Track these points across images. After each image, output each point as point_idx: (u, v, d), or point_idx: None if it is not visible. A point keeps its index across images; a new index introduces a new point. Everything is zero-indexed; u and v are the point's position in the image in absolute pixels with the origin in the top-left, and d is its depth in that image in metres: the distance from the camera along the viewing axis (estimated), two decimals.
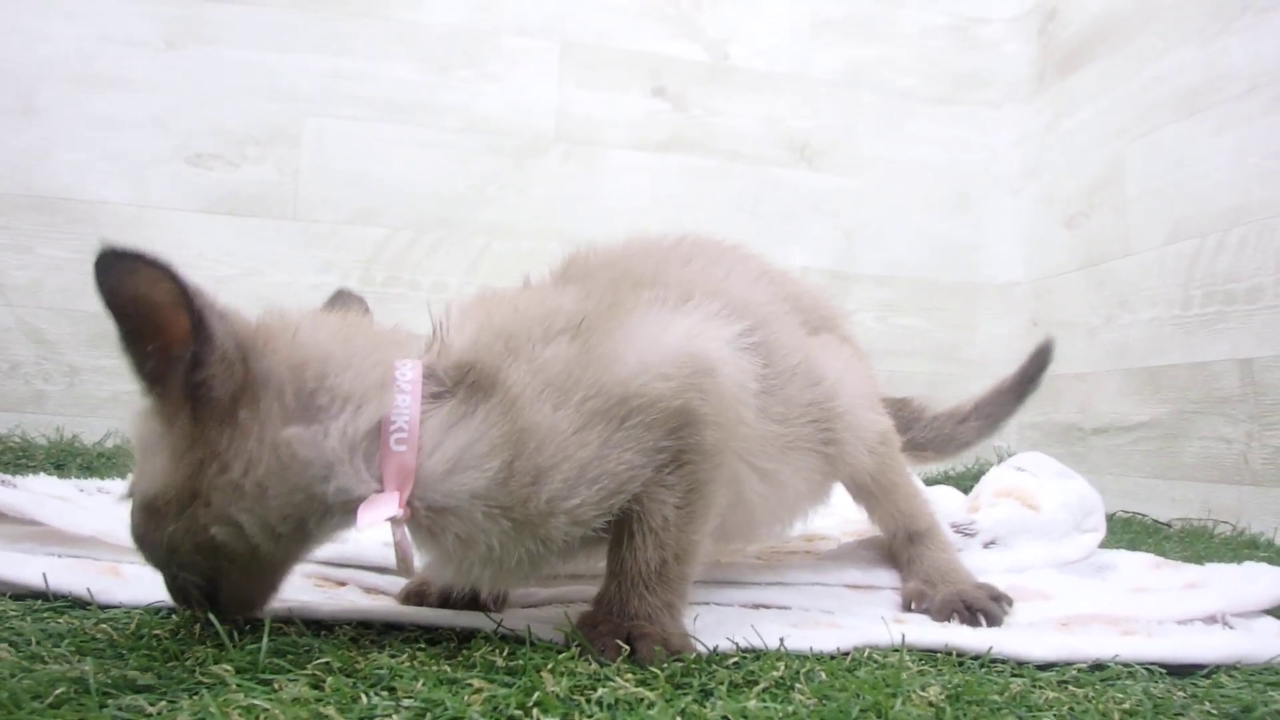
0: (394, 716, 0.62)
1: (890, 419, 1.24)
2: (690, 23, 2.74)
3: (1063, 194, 2.69)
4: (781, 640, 0.86)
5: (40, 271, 2.30)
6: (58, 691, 0.59)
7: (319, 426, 0.77)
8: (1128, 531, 1.92)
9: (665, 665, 0.78)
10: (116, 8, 2.38)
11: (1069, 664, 0.86)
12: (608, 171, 2.65)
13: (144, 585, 0.91)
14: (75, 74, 2.35)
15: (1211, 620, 1.01)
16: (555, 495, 0.81)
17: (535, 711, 0.66)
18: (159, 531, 0.77)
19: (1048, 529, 1.35)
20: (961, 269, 2.89)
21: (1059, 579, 1.24)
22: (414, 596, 0.99)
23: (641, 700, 0.70)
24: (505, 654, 0.78)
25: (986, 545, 1.34)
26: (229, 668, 0.69)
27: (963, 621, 1.02)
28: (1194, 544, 1.72)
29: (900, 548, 1.23)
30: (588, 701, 0.69)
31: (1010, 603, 1.06)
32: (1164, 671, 0.84)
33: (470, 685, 0.70)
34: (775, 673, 0.78)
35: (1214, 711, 0.73)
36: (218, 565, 0.78)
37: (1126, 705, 0.72)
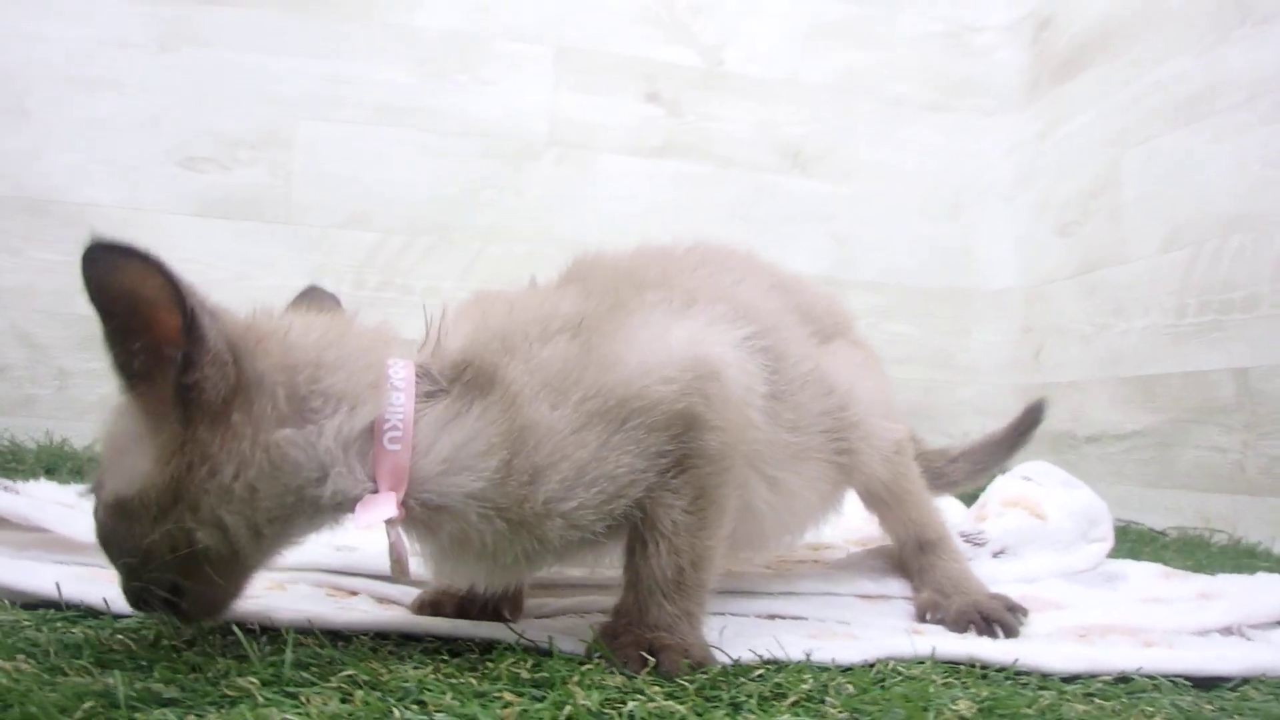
0: None
1: (904, 429, 1.23)
2: (685, 28, 2.74)
3: (1057, 201, 2.70)
4: (808, 654, 0.85)
5: (31, 274, 2.26)
6: (86, 705, 0.58)
7: (313, 427, 0.76)
8: (1124, 540, 1.93)
9: (693, 678, 0.77)
10: (110, 9, 2.35)
11: (1093, 676, 0.85)
12: (602, 177, 2.64)
13: None
14: (68, 76, 2.32)
15: (1227, 632, 1.00)
16: (552, 496, 0.80)
17: None
18: (133, 534, 0.75)
19: (1055, 538, 1.36)
20: (955, 275, 2.90)
21: (1070, 589, 1.24)
22: (429, 606, 0.97)
23: (673, 714, 0.69)
24: (530, 666, 0.77)
25: (996, 554, 1.34)
26: (254, 680, 0.67)
27: (980, 633, 1.02)
28: (1193, 553, 1.74)
29: (911, 557, 1.22)
30: (619, 715, 0.68)
31: (1025, 613, 1.06)
32: (1189, 684, 0.84)
33: (500, 698, 0.69)
34: (804, 685, 0.77)
35: None
36: (191, 569, 0.76)
37: (1158, 719, 0.72)
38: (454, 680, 0.73)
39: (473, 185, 2.55)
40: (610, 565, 0.93)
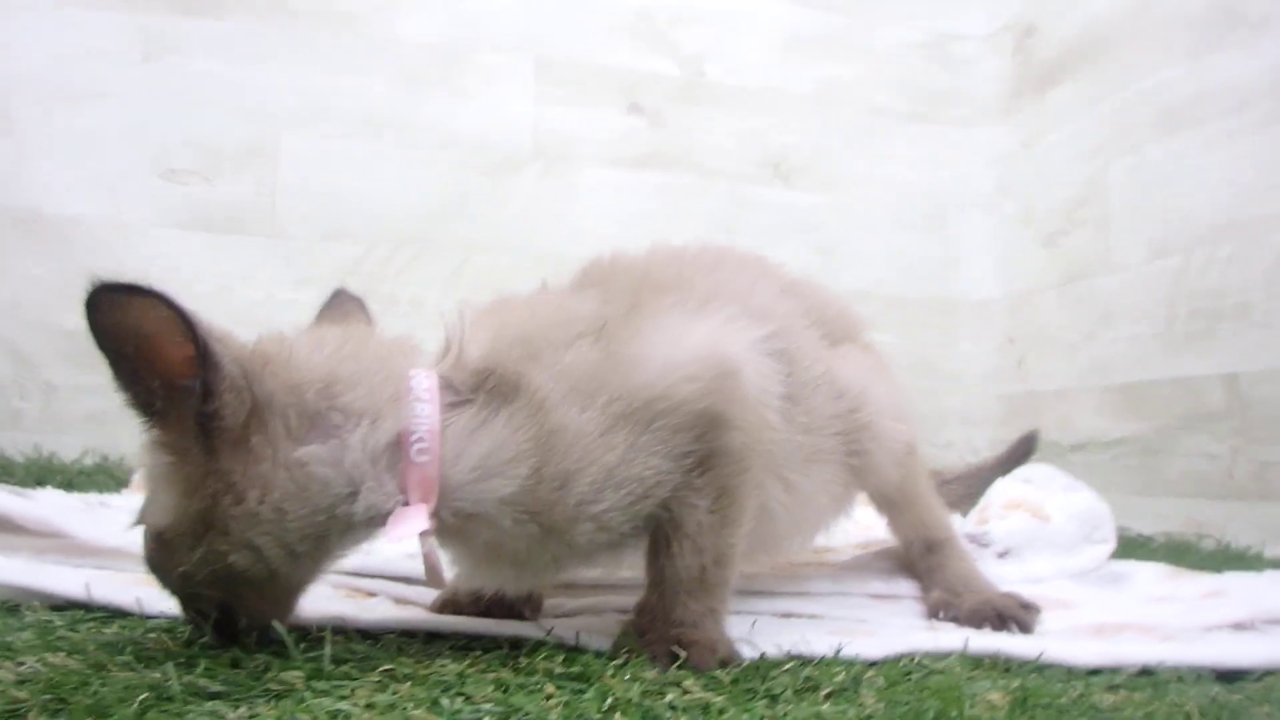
0: None
1: (914, 431, 1.24)
2: (666, 39, 2.75)
3: (1040, 211, 2.71)
4: (837, 649, 0.86)
5: (16, 287, 2.22)
6: (140, 698, 0.57)
7: (336, 442, 0.76)
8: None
9: (727, 672, 0.78)
10: (91, 21, 2.32)
11: (1117, 669, 0.86)
12: (584, 188, 2.64)
13: None
14: (49, 88, 2.29)
15: (1240, 628, 1.02)
16: (583, 499, 0.80)
17: (617, 715, 0.65)
18: (173, 562, 0.76)
19: (1058, 540, 1.38)
20: (937, 286, 2.91)
21: (1077, 589, 1.26)
22: (450, 606, 0.97)
23: (711, 705, 0.70)
24: (562, 661, 0.77)
25: (1000, 556, 1.36)
26: (299, 674, 0.67)
27: (995, 629, 1.03)
28: (1182, 559, 1.75)
29: (918, 557, 1.24)
30: (660, 706, 0.68)
31: (1038, 611, 1.07)
32: (1212, 676, 0.86)
33: (541, 690, 0.69)
34: (836, 678, 0.78)
35: (1277, 712, 0.75)
36: (235, 590, 0.77)
37: (1189, 708, 0.74)
38: (491, 674, 0.73)
39: (456, 196, 2.54)
40: (629, 566, 0.93)
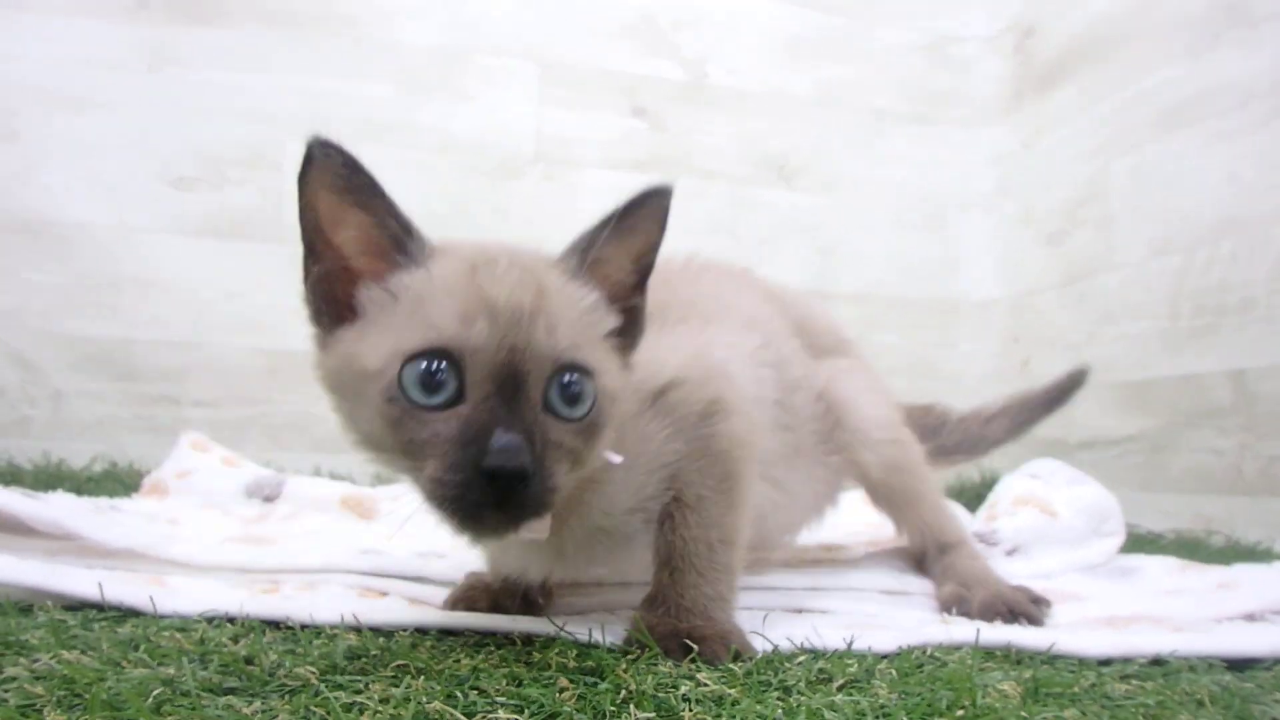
0: (499, 712, 0.61)
1: (898, 417, 1.25)
2: (667, 43, 2.75)
3: (1041, 211, 2.71)
4: (849, 641, 0.86)
5: (23, 295, 2.23)
6: (155, 693, 0.57)
7: None
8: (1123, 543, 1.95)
9: (740, 664, 0.78)
10: (96, 31, 2.34)
11: (1128, 659, 0.86)
12: (586, 191, 2.64)
13: (191, 596, 0.90)
14: (55, 97, 2.30)
15: (1250, 618, 1.02)
16: (639, 487, 0.87)
17: (631, 707, 0.65)
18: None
19: (1066, 535, 1.38)
20: (938, 286, 2.91)
21: (1088, 582, 1.26)
22: (463, 603, 0.97)
23: (724, 697, 0.70)
24: (575, 655, 0.77)
25: (1009, 553, 1.35)
26: (313, 669, 0.67)
27: (1007, 623, 1.03)
28: (1192, 555, 1.75)
29: (932, 559, 1.24)
30: (674, 698, 0.68)
31: (1049, 604, 1.07)
32: (1223, 665, 0.86)
33: (556, 683, 0.69)
34: (849, 670, 0.78)
35: None
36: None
37: (1201, 696, 0.74)
38: (505, 669, 0.73)
39: (458, 200, 2.55)
40: (644, 570, 0.94)
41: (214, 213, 2.38)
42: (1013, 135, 2.85)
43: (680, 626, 0.83)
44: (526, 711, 0.63)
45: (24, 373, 2.22)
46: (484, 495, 0.69)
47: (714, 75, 2.79)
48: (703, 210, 2.73)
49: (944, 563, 1.21)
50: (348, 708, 0.60)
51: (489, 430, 0.69)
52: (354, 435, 0.77)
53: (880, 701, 0.70)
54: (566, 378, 0.75)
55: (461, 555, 1.18)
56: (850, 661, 0.81)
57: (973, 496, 2.00)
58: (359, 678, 0.67)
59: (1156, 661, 0.86)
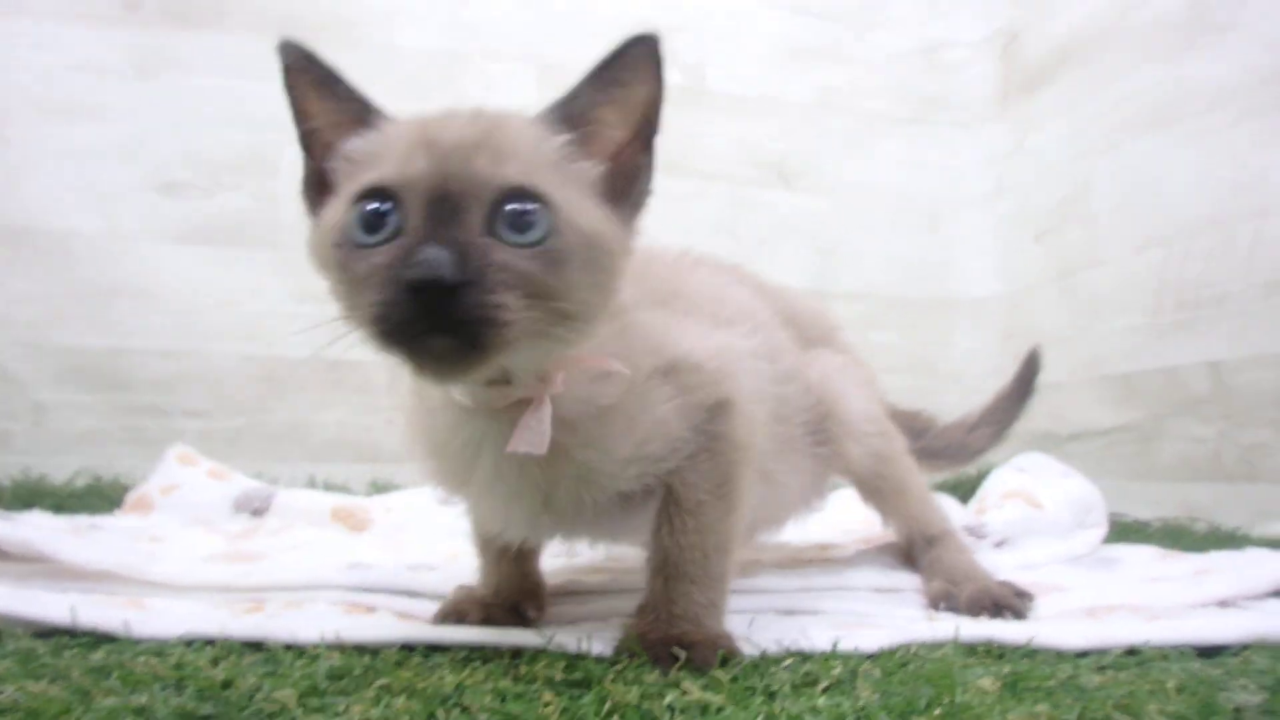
0: None
1: (883, 410, 1.27)
2: (666, 48, 2.76)
3: (1031, 209, 2.75)
4: (835, 642, 0.86)
5: (6, 305, 2.20)
6: None
7: None
8: (1111, 531, 1.95)
9: (727, 670, 0.78)
10: (86, 36, 2.32)
11: (1104, 650, 0.87)
12: None
13: (169, 618, 0.89)
14: (45, 102, 2.29)
15: (1224, 604, 1.04)
16: (643, 439, 0.86)
17: (615, 719, 0.65)
18: None
19: (1053, 526, 1.39)
20: (935, 285, 2.94)
21: (1071, 573, 1.27)
22: (453, 616, 0.97)
23: (710, 705, 0.70)
24: (563, 668, 0.77)
25: (998, 545, 1.36)
26: (291, 692, 0.67)
27: (991, 617, 1.04)
28: (1178, 542, 1.76)
29: (919, 552, 1.25)
30: (660, 709, 0.68)
31: (1032, 598, 1.08)
32: (1193, 652, 0.87)
33: (540, 698, 0.69)
34: (834, 672, 0.78)
35: (1252, 685, 0.76)
36: None
37: (1172, 684, 0.74)
38: (490, 685, 0.73)
39: None
40: (635, 537, 0.94)
41: (206, 219, 2.37)
42: (1003, 136, 2.90)
43: (671, 633, 0.83)
44: None
45: (4, 385, 2.19)
46: (411, 311, 0.68)
47: (712, 80, 2.81)
48: (704, 211, 2.74)
49: (931, 556, 1.22)
50: None
51: (416, 249, 0.68)
52: (340, 308, 0.76)
53: (861, 703, 0.70)
54: (514, 204, 0.72)
55: (453, 567, 1.18)
56: (836, 663, 0.81)
57: (968, 489, 2.02)
58: (339, 699, 0.67)
59: (1131, 651, 0.87)
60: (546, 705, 0.67)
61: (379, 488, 2.04)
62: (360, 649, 0.83)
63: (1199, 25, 2.14)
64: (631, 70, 0.81)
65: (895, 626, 0.93)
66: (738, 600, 1.04)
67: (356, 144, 0.80)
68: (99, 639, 0.84)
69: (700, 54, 2.81)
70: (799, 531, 1.37)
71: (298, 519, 1.41)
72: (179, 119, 2.36)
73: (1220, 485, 2.05)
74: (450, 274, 0.67)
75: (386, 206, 0.72)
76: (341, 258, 0.73)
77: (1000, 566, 1.26)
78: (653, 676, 0.75)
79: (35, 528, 1.14)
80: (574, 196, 0.77)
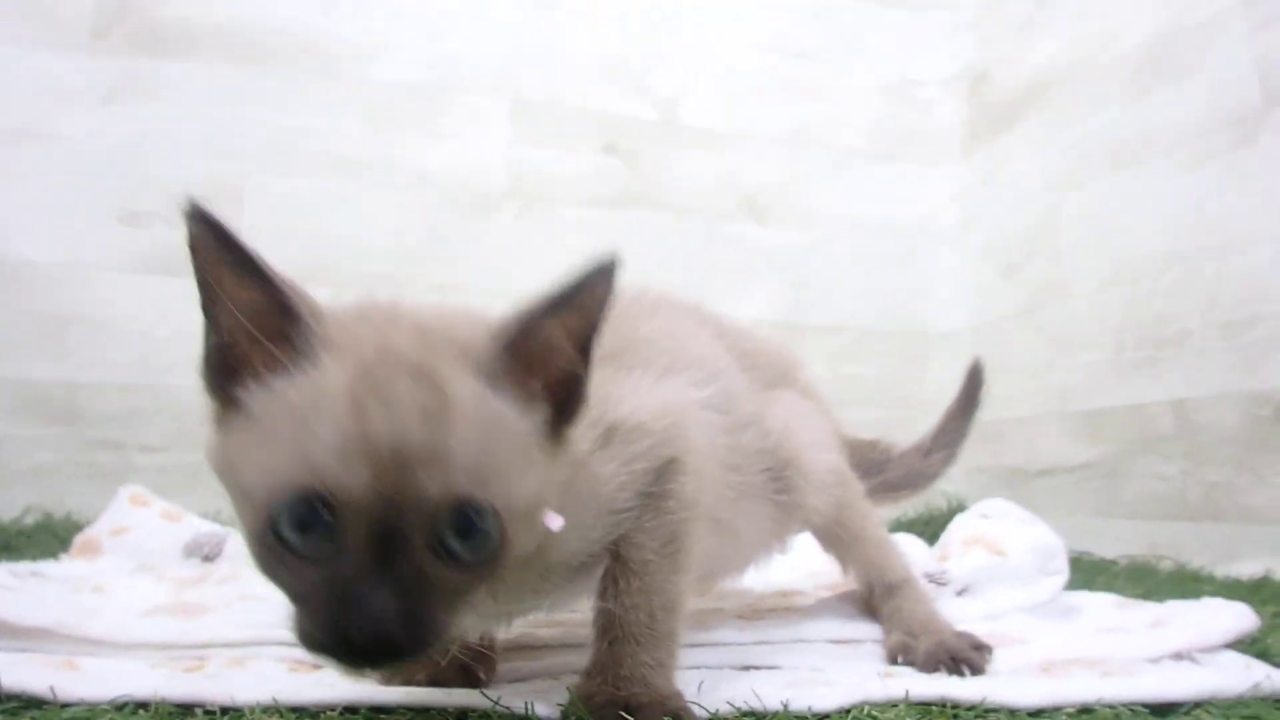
0: None
1: (844, 460, 1.26)
2: (640, 81, 2.80)
3: (1000, 245, 2.80)
4: (785, 703, 0.85)
5: None
6: None
7: None
8: (1078, 570, 1.95)
9: None
10: (48, 61, 2.30)
11: (1058, 709, 0.87)
12: (560, 228, 2.65)
13: (105, 680, 0.86)
14: (4, 128, 2.25)
15: (1179, 657, 1.04)
16: (585, 525, 0.83)
17: None
18: None
19: (1015, 574, 1.38)
20: (906, 318, 2.97)
21: (1032, 623, 1.26)
22: (399, 677, 0.94)
23: None
24: None
25: (959, 593, 1.36)
26: None
27: (949, 672, 1.03)
28: (1143, 580, 1.78)
29: (879, 601, 1.24)
30: None
31: (991, 651, 1.07)
32: (1146, 711, 0.87)
33: None
34: None
35: None
36: None
37: None
38: None
39: (430, 238, 2.54)
40: (584, 624, 0.92)
41: (168, 250, 2.33)
42: (972, 173, 2.96)
43: (618, 695, 0.82)
44: None
45: None
46: (352, 657, 0.64)
47: (686, 114, 2.84)
48: (677, 246, 2.76)
49: (891, 605, 1.21)
50: None
51: (355, 592, 0.63)
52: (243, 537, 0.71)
53: None
54: (464, 518, 0.66)
55: None
56: None
57: (940, 526, 2.01)
58: None
59: (1085, 709, 0.87)
60: None
61: None
62: (299, 712, 0.81)
63: (1162, 67, 2.20)
64: (589, 295, 0.73)
65: (849, 684, 0.92)
66: (692, 655, 1.03)
67: (286, 385, 0.67)
68: (25, 703, 0.81)
69: (674, 88, 2.84)
70: (762, 576, 1.36)
71: (248, 566, 1.38)
72: (143, 147, 2.34)
73: (1184, 524, 2.06)
74: (397, 632, 0.63)
75: (317, 512, 0.63)
76: (264, 552, 0.66)
77: (962, 615, 1.26)
78: None
79: None
80: (520, 474, 0.70)
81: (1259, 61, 1.95)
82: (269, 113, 2.45)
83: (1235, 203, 1.98)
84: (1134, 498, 2.21)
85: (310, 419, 0.65)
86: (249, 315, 0.70)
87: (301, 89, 2.49)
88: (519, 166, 2.65)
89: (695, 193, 2.81)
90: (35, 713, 0.78)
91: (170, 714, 0.78)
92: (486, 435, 0.68)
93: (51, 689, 0.80)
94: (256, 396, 0.68)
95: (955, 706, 0.88)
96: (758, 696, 0.87)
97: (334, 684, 0.91)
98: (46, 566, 1.38)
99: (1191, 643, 1.06)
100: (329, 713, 0.82)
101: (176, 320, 2.31)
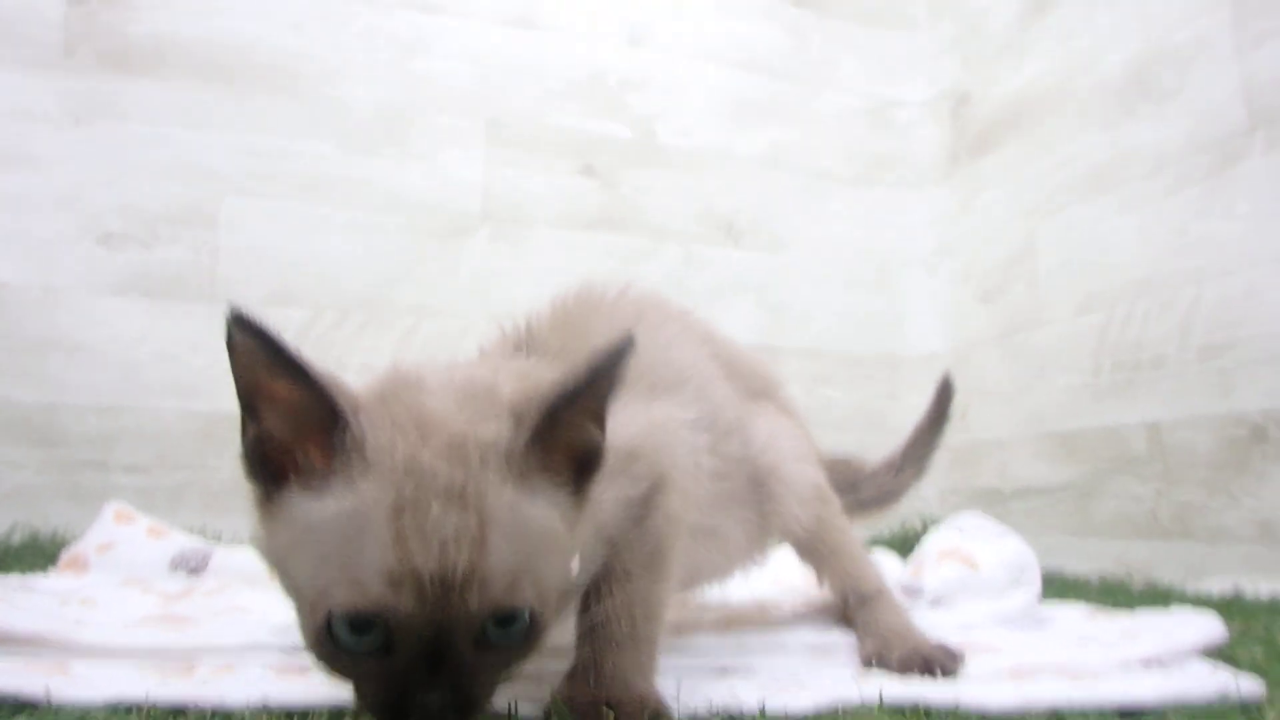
0: None
1: (824, 474, 1.29)
2: (617, 102, 2.82)
3: (978, 269, 2.84)
4: (762, 703, 0.87)
5: None
6: None
7: None
8: (1050, 588, 1.99)
9: None
10: (18, 83, 2.31)
11: (1028, 712, 0.90)
12: (536, 250, 2.67)
13: (96, 684, 0.87)
14: None
15: (1149, 664, 1.06)
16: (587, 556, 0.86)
17: None
18: None
19: (988, 586, 1.42)
20: (883, 342, 3.01)
21: (1003, 633, 1.29)
22: None
23: None
24: None
25: (933, 605, 1.39)
26: None
27: (922, 675, 1.06)
28: (1114, 597, 1.81)
29: (854, 611, 1.26)
30: None
31: (963, 657, 1.10)
32: (1115, 714, 0.90)
33: None
34: None
35: None
36: None
37: None
38: None
39: (405, 260, 2.55)
40: (565, 630, 0.94)
41: (144, 271, 2.34)
42: (950, 197, 2.99)
43: (599, 695, 0.84)
44: None
45: None
46: None
47: (662, 135, 2.87)
48: (653, 268, 2.78)
49: (865, 615, 1.24)
50: None
51: (412, 692, 0.69)
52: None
53: None
54: (501, 620, 0.71)
55: None
56: None
57: (914, 544, 2.04)
58: None
59: (1055, 713, 0.89)
60: None
61: None
62: (289, 713, 0.83)
63: (1140, 92, 2.24)
64: (606, 378, 0.77)
65: (824, 687, 0.95)
66: (671, 660, 1.05)
67: (329, 497, 0.70)
68: (19, 705, 0.82)
69: (649, 109, 2.87)
70: (740, 589, 1.38)
71: (234, 579, 1.39)
72: (116, 168, 2.35)
73: (1156, 542, 2.11)
74: (452, 718, 0.69)
75: (371, 626, 0.69)
76: (319, 647, 0.72)
77: (936, 626, 1.28)
78: None
79: None
80: (554, 570, 0.75)
81: (1246, 82, 1.96)
82: (241, 134, 2.46)
83: (1216, 226, 2.01)
84: (1107, 518, 2.25)
85: (356, 543, 0.69)
86: (293, 415, 0.73)
87: (273, 109, 2.50)
88: (494, 187, 2.67)
89: (672, 214, 2.84)
90: (29, 715, 0.80)
91: (162, 716, 0.80)
92: (522, 544, 0.72)
93: (46, 691, 0.82)
94: (302, 503, 0.71)
95: (928, 709, 0.91)
96: (735, 698, 0.90)
97: (322, 687, 0.93)
98: (35, 580, 1.39)
99: (1161, 651, 1.09)
100: (316, 714, 0.83)
101: (156, 342, 2.32)
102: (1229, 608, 1.59)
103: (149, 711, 0.80)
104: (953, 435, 2.83)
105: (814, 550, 1.27)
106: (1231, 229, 1.98)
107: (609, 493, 0.87)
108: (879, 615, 1.23)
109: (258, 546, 0.76)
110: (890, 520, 2.51)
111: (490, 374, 0.86)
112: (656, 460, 0.92)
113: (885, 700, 0.91)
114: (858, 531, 1.33)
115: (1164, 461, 2.09)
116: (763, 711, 0.87)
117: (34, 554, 1.80)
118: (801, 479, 1.21)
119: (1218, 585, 1.83)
